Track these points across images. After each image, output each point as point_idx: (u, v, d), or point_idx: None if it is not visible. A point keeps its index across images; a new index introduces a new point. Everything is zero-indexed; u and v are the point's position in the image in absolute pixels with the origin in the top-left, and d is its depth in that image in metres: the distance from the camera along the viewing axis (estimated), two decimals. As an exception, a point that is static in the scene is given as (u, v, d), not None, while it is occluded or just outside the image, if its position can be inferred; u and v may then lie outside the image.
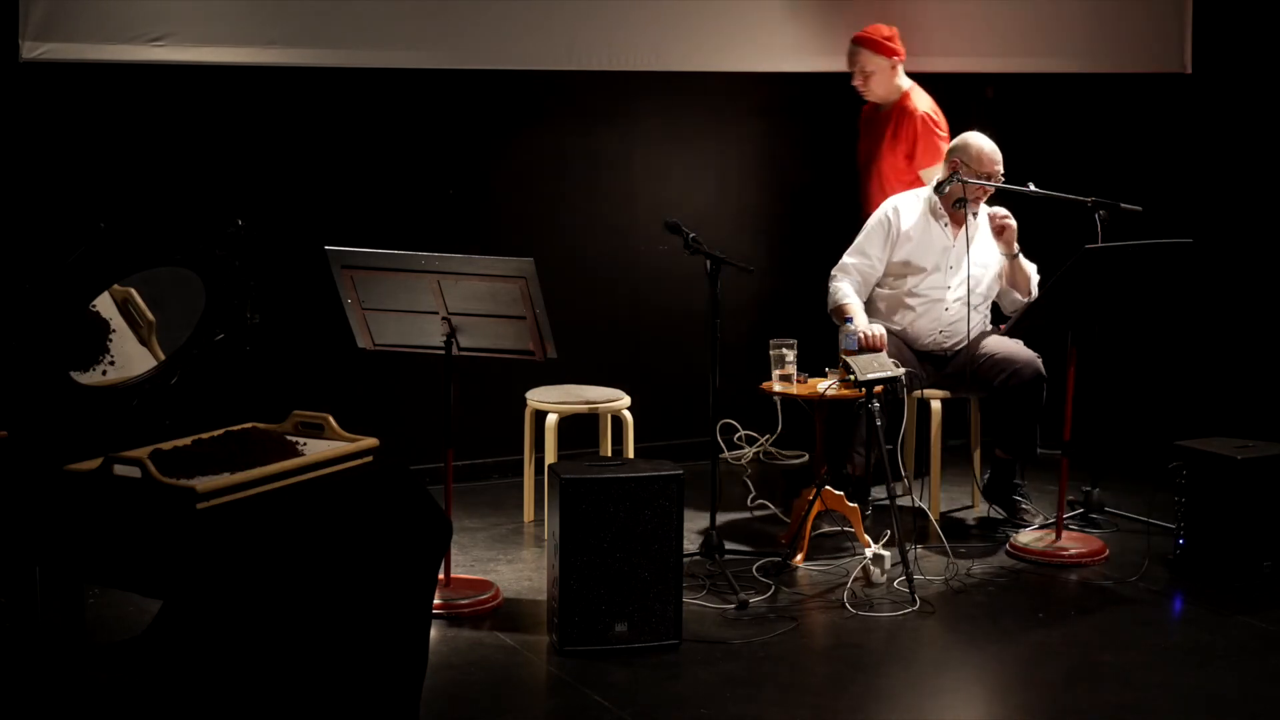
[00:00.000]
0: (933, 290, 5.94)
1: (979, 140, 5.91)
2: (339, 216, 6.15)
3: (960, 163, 5.88)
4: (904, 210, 6.00)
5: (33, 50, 5.45)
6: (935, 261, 5.93)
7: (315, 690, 3.45)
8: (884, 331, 5.75)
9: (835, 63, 6.83)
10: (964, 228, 5.91)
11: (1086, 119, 7.48)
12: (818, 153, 7.28)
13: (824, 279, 6.09)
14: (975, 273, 5.86)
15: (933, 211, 5.98)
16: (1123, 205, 5.69)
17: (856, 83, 6.49)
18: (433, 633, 4.36)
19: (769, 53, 6.71)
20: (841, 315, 5.79)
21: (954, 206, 5.88)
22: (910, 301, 5.95)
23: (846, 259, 6.00)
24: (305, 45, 5.90)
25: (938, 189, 5.89)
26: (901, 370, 5.46)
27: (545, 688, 4.54)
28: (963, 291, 5.90)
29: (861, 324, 5.72)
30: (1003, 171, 5.88)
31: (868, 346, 5.62)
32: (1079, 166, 7.04)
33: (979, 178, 5.85)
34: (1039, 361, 5.74)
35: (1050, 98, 7.43)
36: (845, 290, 5.93)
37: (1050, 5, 7.16)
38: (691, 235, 5.34)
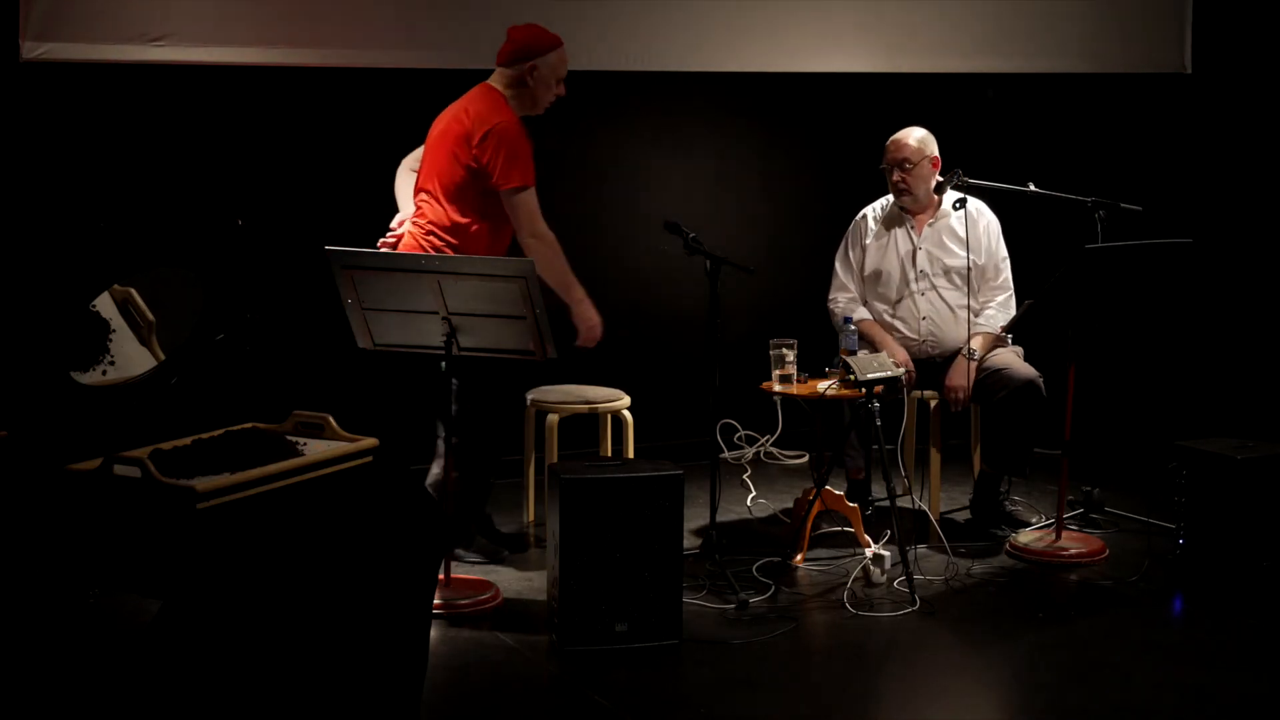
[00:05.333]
0: (906, 295, 5.93)
1: (895, 135, 5.93)
2: (339, 216, 6.14)
3: None
4: (870, 219, 6.02)
5: (33, 50, 5.46)
6: (901, 267, 5.92)
7: (315, 690, 3.45)
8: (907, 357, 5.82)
9: (836, 63, 6.84)
10: (935, 225, 5.92)
11: (1086, 119, 7.48)
12: (817, 153, 7.29)
13: (823, 279, 6.09)
14: (932, 267, 5.86)
15: (893, 218, 5.97)
16: (1123, 205, 5.70)
17: (560, 91, 5.39)
18: (433, 633, 4.35)
19: (769, 53, 6.71)
20: (864, 336, 5.84)
21: (953, 207, 5.87)
22: (891, 314, 5.94)
23: (836, 295, 6.03)
24: (305, 45, 5.90)
25: (937, 189, 5.89)
26: (901, 370, 5.46)
27: (545, 688, 4.53)
28: (930, 289, 5.88)
29: (900, 356, 5.79)
30: (906, 157, 5.84)
31: (909, 383, 5.70)
32: (1079, 166, 7.04)
33: (887, 169, 5.88)
34: (1039, 380, 5.72)
35: (1050, 98, 7.43)
36: (858, 305, 5.97)
37: (1050, 5, 7.16)
38: (691, 235, 5.34)
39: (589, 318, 5.33)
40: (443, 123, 5.34)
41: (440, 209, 5.25)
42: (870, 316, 5.94)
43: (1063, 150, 7.33)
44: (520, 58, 5.29)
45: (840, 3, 6.82)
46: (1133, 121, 7.45)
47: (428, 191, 5.30)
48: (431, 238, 5.24)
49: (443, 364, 5.19)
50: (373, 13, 5.99)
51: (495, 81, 5.35)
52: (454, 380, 5.22)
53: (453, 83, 6.31)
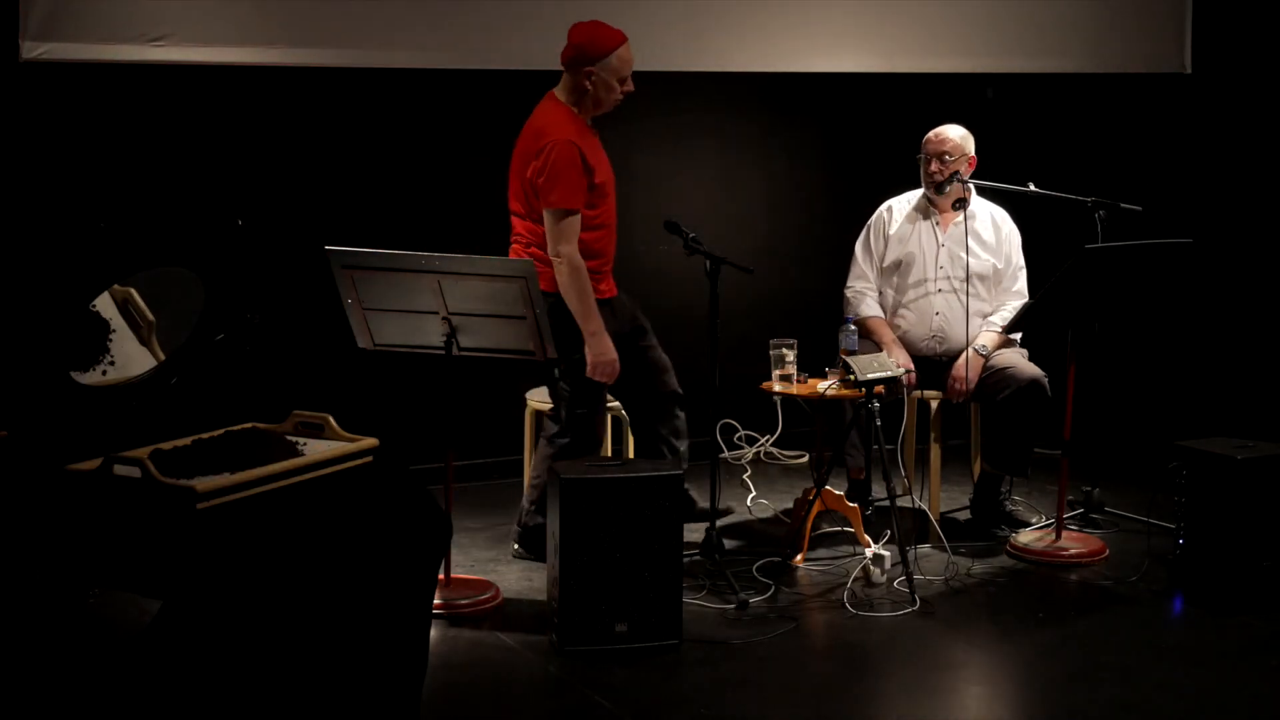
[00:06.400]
0: (922, 291, 5.93)
1: (938, 128, 5.94)
2: (339, 216, 6.15)
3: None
4: (895, 210, 6.02)
5: (33, 50, 5.45)
6: (924, 260, 5.92)
7: (315, 690, 3.45)
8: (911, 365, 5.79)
9: (837, 63, 6.84)
10: (962, 224, 5.92)
11: (1086, 119, 7.48)
12: (817, 153, 7.28)
13: (824, 279, 6.10)
14: (953, 266, 5.86)
15: (921, 211, 5.98)
16: (1123, 205, 5.70)
17: (627, 89, 5.37)
18: (433, 633, 4.36)
19: (770, 53, 6.71)
20: (871, 333, 5.83)
21: (954, 207, 5.88)
22: (904, 305, 5.94)
23: (854, 283, 6.02)
24: (305, 45, 5.90)
25: (938, 189, 5.89)
26: (901, 370, 5.46)
27: (545, 688, 4.53)
28: (947, 287, 5.89)
29: (902, 359, 5.77)
30: (947, 150, 5.85)
31: (910, 384, 5.69)
32: (1079, 166, 7.04)
33: (924, 158, 5.89)
34: (1044, 379, 5.72)
35: (1050, 98, 7.43)
36: (870, 299, 5.97)
37: (1050, 5, 7.16)
38: (691, 235, 5.34)
39: (599, 352, 5.25)
40: (519, 141, 5.37)
41: (531, 224, 5.33)
42: (880, 314, 5.94)
43: (1063, 150, 7.33)
44: (577, 63, 5.27)
45: (840, 3, 6.82)
46: (1133, 121, 7.45)
47: (517, 212, 5.37)
48: (534, 249, 5.28)
49: (556, 371, 5.23)
50: (373, 13, 5.99)
51: (560, 89, 5.36)
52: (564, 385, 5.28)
53: (452, 83, 6.34)
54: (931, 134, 5.93)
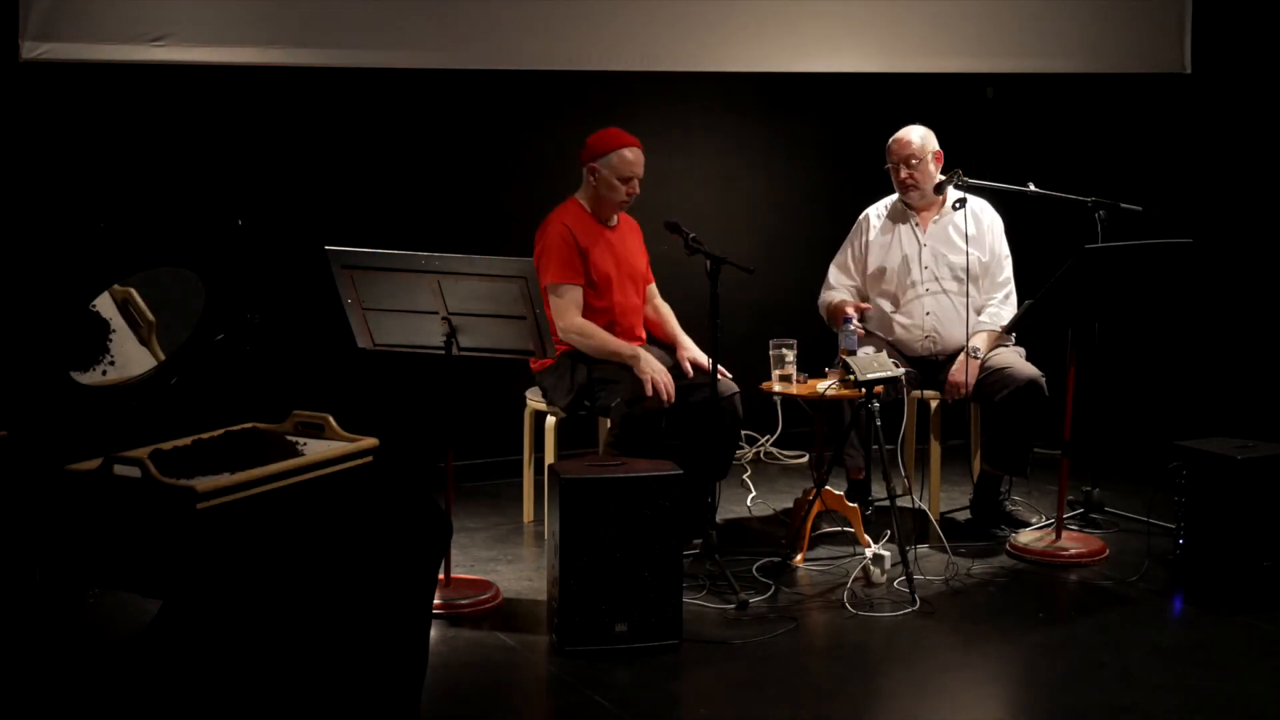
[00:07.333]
0: (912, 295, 5.93)
1: (897, 134, 5.95)
2: (339, 216, 6.15)
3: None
4: (873, 217, 6.03)
5: (33, 50, 5.46)
6: (908, 264, 5.93)
7: (315, 690, 3.45)
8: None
9: (837, 63, 6.84)
10: (940, 222, 5.93)
11: (1086, 119, 7.48)
12: (817, 153, 7.28)
13: (823, 279, 6.11)
14: (937, 265, 5.87)
15: (897, 216, 5.98)
16: (1123, 205, 5.70)
17: (631, 190, 5.63)
18: (433, 633, 4.36)
19: (769, 53, 6.71)
20: (839, 315, 5.80)
21: (953, 207, 5.87)
22: (896, 310, 5.94)
23: (830, 276, 6.05)
24: (305, 45, 5.90)
25: (937, 189, 5.89)
26: (901, 370, 5.46)
27: (545, 688, 4.54)
28: (935, 287, 5.89)
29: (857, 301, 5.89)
30: (912, 153, 5.87)
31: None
32: (1079, 166, 7.04)
33: (894, 167, 5.91)
34: (1041, 379, 5.72)
35: (1050, 98, 7.43)
36: (839, 292, 5.98)
37: (1050, 5, 7.16)
38: (691, 235, 5.34)
39: (646, 370, 5.44)
40: None
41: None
42: (847, 297, 5.97)
43: (1063, 150, 7.33)
44: (586, 159, 5.61)
45: (841, 3, 6.81)
46: (1133, 121, 7.45)
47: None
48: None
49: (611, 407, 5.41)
50: (372, 13, 5.99)
51: (580, 189, 5.68)
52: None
53: (451, 83, 6.34)
54: (892, 142, 5.94)
